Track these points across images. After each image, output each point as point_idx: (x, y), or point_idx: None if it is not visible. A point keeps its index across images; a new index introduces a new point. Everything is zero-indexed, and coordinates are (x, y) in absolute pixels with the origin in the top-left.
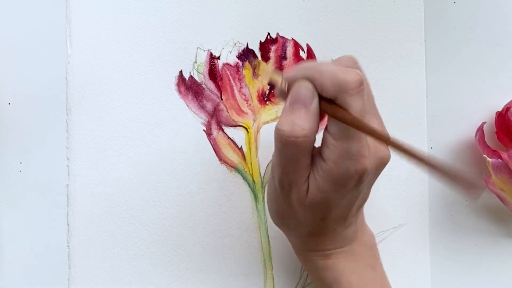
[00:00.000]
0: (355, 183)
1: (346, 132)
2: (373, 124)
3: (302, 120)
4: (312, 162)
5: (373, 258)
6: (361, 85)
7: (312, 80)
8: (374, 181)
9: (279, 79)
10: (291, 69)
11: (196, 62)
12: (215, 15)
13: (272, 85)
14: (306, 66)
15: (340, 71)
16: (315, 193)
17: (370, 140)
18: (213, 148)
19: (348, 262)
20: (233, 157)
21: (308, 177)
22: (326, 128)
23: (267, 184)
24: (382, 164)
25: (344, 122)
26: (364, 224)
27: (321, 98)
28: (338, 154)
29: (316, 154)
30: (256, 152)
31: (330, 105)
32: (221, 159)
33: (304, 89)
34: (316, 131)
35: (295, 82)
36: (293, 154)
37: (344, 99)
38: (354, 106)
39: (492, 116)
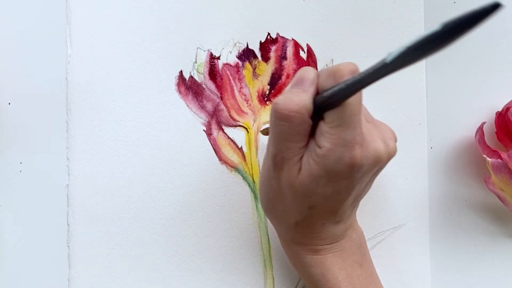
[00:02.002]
0: (348, 173)
1: (342, 121)
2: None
3: (297, 97)
4: (308, 147)
5: (362, 256)
6: (355, 72)
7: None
8: (369, 180)
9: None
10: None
11: (196, 62)
12: (215, 15)
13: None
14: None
15: (334, 65)
16: (306, 176)
17: (367, 134)
18: (213, 148)
19: (336, 258)
20: (233, 157)
21: (302, 159)
22: (322, 118)
23: (261, 166)
24: (377, 159)
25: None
26: (355, 222)
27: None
28: (333, 141)
29: (312, 141)
30: (256, 152)
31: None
32: (221, 159)
33: (306, 73)
34: (310, 113)
35: (300, 68)
36: (286, 130)
37: None
38: None
39: (492, 116)
